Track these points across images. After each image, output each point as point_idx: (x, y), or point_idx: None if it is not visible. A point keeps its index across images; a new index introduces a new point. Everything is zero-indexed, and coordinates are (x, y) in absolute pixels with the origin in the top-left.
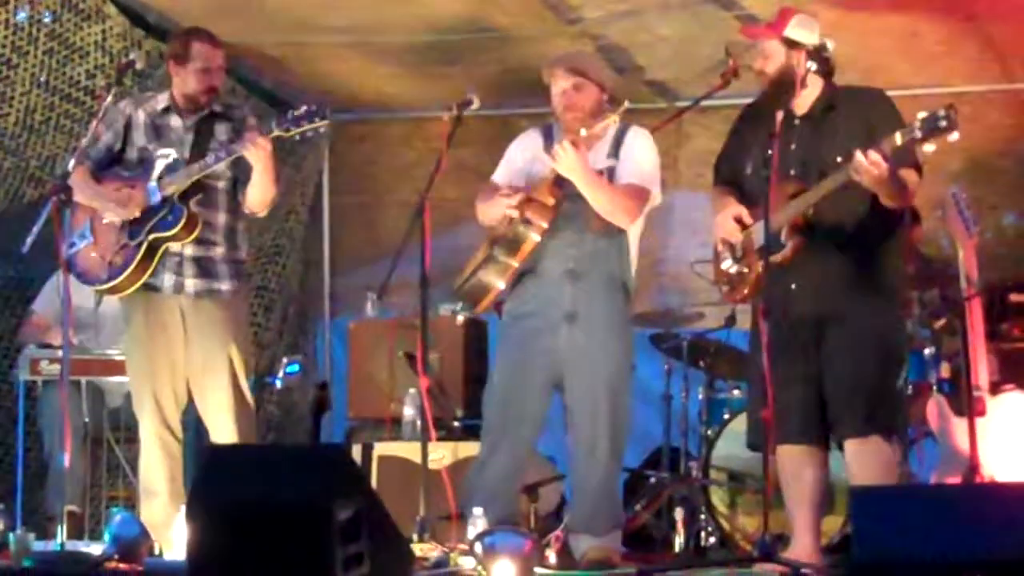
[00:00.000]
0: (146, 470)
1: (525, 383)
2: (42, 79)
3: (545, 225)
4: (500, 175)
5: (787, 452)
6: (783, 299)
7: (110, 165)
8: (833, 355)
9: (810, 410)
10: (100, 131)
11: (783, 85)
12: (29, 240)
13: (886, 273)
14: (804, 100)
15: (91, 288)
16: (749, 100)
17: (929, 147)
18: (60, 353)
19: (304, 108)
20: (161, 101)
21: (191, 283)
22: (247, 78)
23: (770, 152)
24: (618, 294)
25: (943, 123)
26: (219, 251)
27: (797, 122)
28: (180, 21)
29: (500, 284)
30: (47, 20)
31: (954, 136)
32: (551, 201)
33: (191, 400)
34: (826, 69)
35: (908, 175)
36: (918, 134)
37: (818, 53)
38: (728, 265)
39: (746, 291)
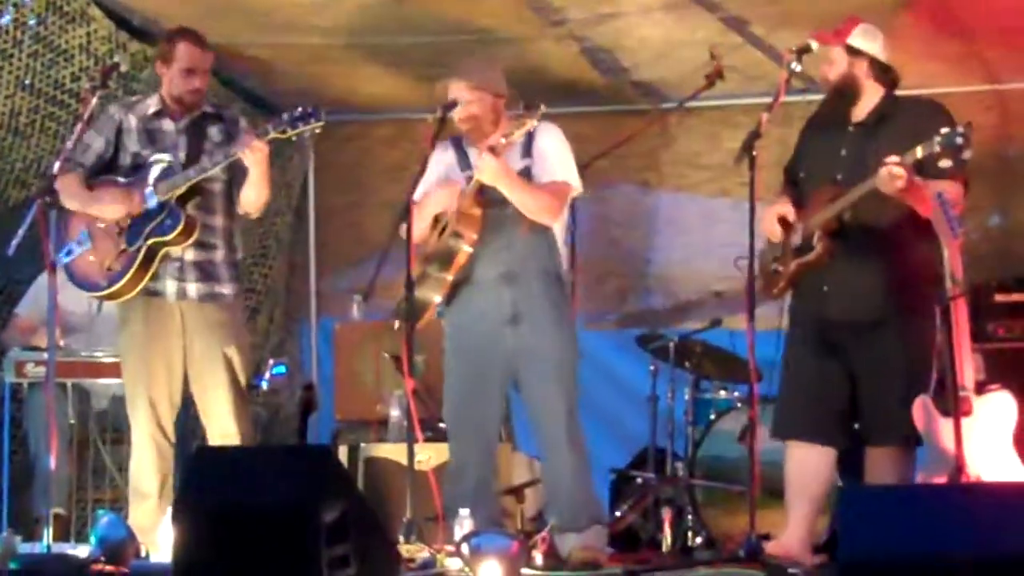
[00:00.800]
0: (137, 472)
1: (481, 389)
2: (27, 82)
3: (475, 236)
4: (420, 194)
5: (798, 447)
6: (815, 300)
7: (102, 172)
8: (867, 366)
9: (830, 411)
10: (88, 136)
11: (844, 91)
12: (14, 243)
13: (920, 282)
14: (862, 108)
15: (90, 295)
16: (735, 101)
17: (945, 161)
18: (46, 355)
19: (300, 110)
20: (151, 104)
21: (193, 288)
22: (233, 80)
23: (754, 154)
24: (554, 288)
25: (959, 140)
26: (219, 254)
27: (851, 128)
28: (165, 24)
29: (437, 298)
30: (32, 23)
31: (967, 154)
32: (477, 212)
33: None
34: (888, 80)
35: (945, 186)
36: (936, 149)
37: (877, 62)
38: (768, 261)
39: (780, 287)
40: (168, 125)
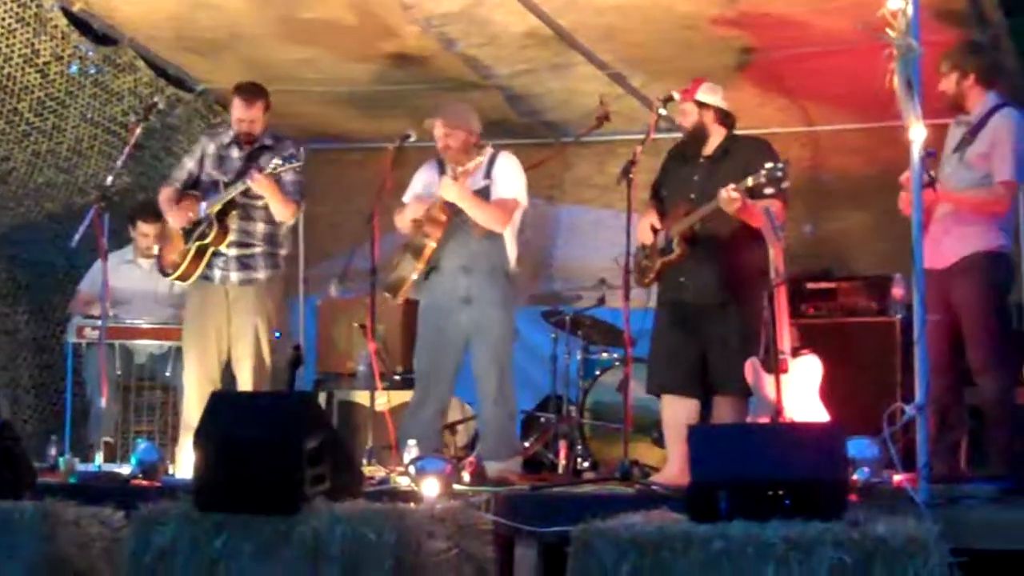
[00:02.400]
0: (187, 409)
1: (441, 352)
2: (88, 116)
3: (439, 235)
4: (408, 197)
5: (670, 400)
6: (675, 288)
7: (193, 187)
8: (714, 337)
9: (691, 371)
10: (184, 159)
11: (696, 134)
12: (76, 237)
13: (753, 274)
14: (710, 145)
15: (168, 278)
16: (618, 137)
17: (769, 189)
18: (100, 322)
19: (288, 152)
20: (228, 136)
21: (235, 275)
22: None
23: (630, 177)
24: (500, 280)
25: (779, 174)
26: (258, 250)
27: (702, 160)
28: (193, 73)
29: (414, 276)
30: (92, 71)
31: (786, 184)
32: (443, 218)
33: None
34: (728, 123)
35: (770, 203)
36: (762, 180)
37: (720, 111)
38: (640, 259)
39: (649, 279)
40: (235, 152)
